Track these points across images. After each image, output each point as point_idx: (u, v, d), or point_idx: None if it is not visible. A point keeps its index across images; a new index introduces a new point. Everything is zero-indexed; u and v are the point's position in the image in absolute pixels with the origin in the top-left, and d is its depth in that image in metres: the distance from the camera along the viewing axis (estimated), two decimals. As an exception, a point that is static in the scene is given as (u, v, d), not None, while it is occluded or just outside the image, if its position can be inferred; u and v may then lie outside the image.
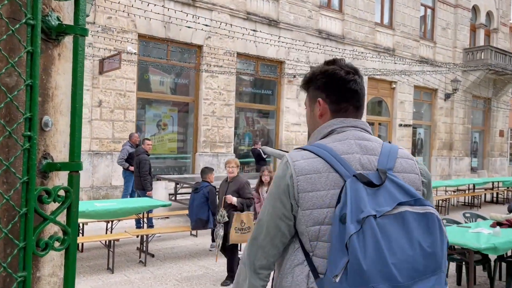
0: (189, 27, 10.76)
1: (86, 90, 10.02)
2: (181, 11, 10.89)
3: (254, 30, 11.95)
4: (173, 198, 9.90)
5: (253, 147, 12.35)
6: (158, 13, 10.44)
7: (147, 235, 5.99)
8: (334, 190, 1.23)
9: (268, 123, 14.18)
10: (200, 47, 11.95)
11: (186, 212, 8.07)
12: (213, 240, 6.76)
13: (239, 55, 12.65)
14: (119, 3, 9.96)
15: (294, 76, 13.66)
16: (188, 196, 9.86)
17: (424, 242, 1.13)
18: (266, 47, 12.74)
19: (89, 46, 9.98)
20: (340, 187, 1.22)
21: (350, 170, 1.24)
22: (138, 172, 7.59)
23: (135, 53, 10.72)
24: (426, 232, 1.14)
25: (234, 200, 5.04)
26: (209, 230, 6.56)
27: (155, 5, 10.24)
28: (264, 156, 11.98)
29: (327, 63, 1.44)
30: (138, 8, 9.87)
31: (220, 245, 5.12)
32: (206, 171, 6.60)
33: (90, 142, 10.19)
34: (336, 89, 1.39)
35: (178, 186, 10.01)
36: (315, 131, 1.42)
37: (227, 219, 5.03)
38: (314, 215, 1.23)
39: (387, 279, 1.08)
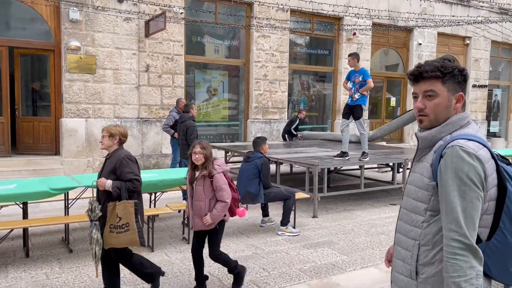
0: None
1: (132, 54, 9.59)
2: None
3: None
4: (223, 167, 9.36)
5: (297, 114, 11.28)
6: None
7: (191, 210, 5.46)
8: (494, 172, 1.58)
9: (325, 86, 13.14)
10: (250, 4, 11.05)
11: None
12: (264, 215, 6.15)
13: (293, 12, 11.60)
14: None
15: (354, 34, 12.40)
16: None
17: None
18: (322, 2, 11.56)
19: (135, 5, 9.45)
20: (495, 169, 1.58)
21: (494, 155, 1.62)
22: (185, 140, 7.06)
23: (181, 13, 10.05)
24: None
25: (107, 184, 3.44)
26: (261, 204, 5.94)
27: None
28: (294, 131, 10.99)
29: (450, 60, 1.70)
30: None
31: (98, 253, 3.42)
32: (258, 141, 5.90)
33: (138, 109, 9.83)
34: (466, 87, 1.71)
35: (228, 154, 9.45)
36: (451, 119, 1.66)
37: (100, 213, 3.44)
38: (490, 194, 1.56)
39: None
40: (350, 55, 7.18)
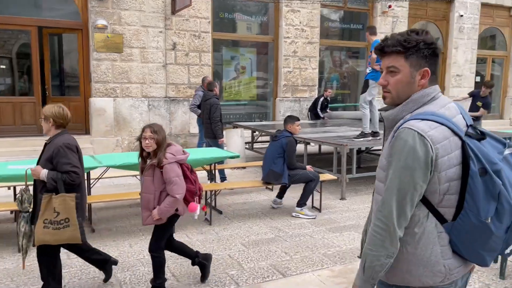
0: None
1: (159, 32, 9.46)
2: None
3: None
4: (250, 147, 9.21)
5: (324, 93, 10.82)
6: None
7: (212, 191, 5.35)
8: (457, 150, 1.51)
9: (358, 63, 12.62)
10: (280, -22, 10.63)
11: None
12: (279, 196, 5.90)
13: (324, -16, 11.10)
14: None
15: (389, 6, 11.76)
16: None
17: None
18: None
19: (159, -16, 9.27)
20: (460, 146, 1.51)
21: (461, 131, 1.53)
22: (208, 119, 6.91)
23: (208, -11, 9.78)
24: None
25: (41, 173, 3.05)
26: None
27: None
28: (321, 113, 10.56)
29: (418, 32, 1.57)
30: None
31: (25, 246, 3.19)
32: (288, 120, 5.65)
33: (166, 88, 9.76)
34: (437, 61, 1.60)
35: (255, 134, 9.27)
36: (413, 96, 1.59)
37: (30, 208, 3.18)
38: (448, 174, 1.50)
39: None
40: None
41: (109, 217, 5.36)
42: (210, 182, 6.24)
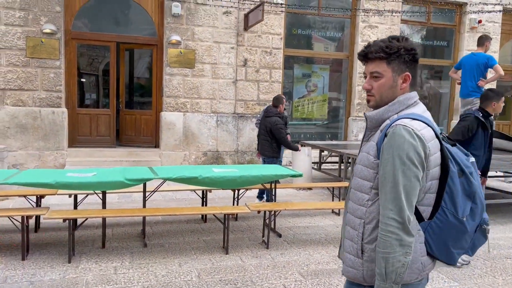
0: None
1: (230, 49, 9.42)
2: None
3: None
4: (318, 167, 8.70)
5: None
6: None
7: (271, 211, 4.95)
8: (438, 152, 1.58)
9: (441, 85, 11.64)
10: (357, -7, 10.18)
11: (331, 184, 6.83)
12: None
13: (406, -1, 10.43)
14: None
15: (479, 21, 10.74)
16: (336, 166, 8.57)
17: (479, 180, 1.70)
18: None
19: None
20: (439, 149, 1.59)
21: (439, 135, 1.62)
22: (266, 136, 6.56)
23: (281, 4, 9.61)
24: (477, 174, 1.68)
25: None
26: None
27: None
28: None
29: (399, 39, 1.66)
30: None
31: None
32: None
33: (234, 104, 9.64)
34: (416, 67, 1.69)
35: (324, 154, 8.75)
36: (398, 98, 1.67)
37: None
38: (432, 173, 1.57)
39: (484, 209, 1.70)
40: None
41: (164, 232, 5.16)
42: (269, 201, 5.85)
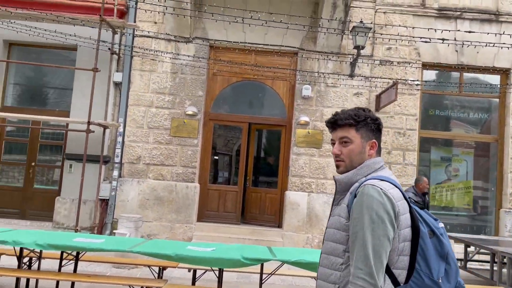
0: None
1: (360, 129, 9.11)
2: (479, 31, 8.77)
3: None
4: (463, 265, 7.40)
5: None
6: (447, 39, 8.32)
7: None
8: (407, 213, 1.61)
9: None
10: (506, 71, 9.25)
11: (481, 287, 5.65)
12: None
13: None
14: (398, 33, 8.82)
15: None
16: (487, 266, 7.18)
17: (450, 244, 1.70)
18: None
19: (367, 78, 9.14)
20: (408, 210, 1.62)
21: (407, 198, 1.65)
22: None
23: (417, 84, 9.15)
24: (447, 238, 1.69)
25: None
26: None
27: (442, 30, 8.28)
28: None
29: (364, 110, 1.80)
30: (421, 37, 8.40)
31: None
32: None
33: (363, 187, 9.07)
34: (380, 136, 1.83)
35: (470, 249, 7.47)
36: (366, 162, 1.75)
37: None
38: (404, 234, 1.57)
39: (458, 271, 1.68)
40: None
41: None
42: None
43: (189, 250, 4.24)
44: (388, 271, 1.54)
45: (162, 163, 9.06)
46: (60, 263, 4.79)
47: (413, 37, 8.93)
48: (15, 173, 9.60)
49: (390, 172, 1.75)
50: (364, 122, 1.75)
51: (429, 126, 9.54)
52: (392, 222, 1.53)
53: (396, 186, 1.63)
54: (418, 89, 9.19)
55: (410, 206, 1.62)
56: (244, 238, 8.74)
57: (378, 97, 9.07)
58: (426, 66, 9.35)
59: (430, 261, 1.55)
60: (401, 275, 1.56)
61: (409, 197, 5.10)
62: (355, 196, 1.62)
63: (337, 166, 1.79)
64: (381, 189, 1.57)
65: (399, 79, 8.99)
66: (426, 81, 9.20)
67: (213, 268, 4.54)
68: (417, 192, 6.82)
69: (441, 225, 1.69)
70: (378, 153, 1.79)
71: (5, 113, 8.95)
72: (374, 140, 1.77)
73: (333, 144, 1.81)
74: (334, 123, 1.79)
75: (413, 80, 9.08)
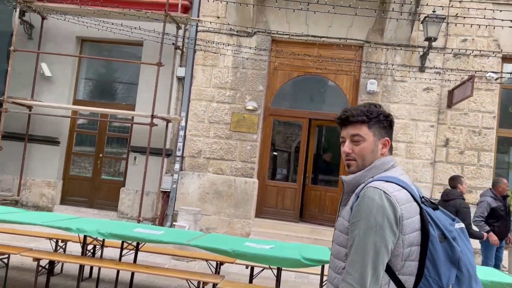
0: None
1: (429, 127, 8.55)
2: None
3: None
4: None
5: None
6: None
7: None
8: (416, 215, 1.50)
9: None
10: None
11: None
12: None
13: None
14: (475, 23, 8.11)
15: None
16: None
17: (471, 248, 1.57)
18: None
19: (438, 73, 8.52)
20: (418, 212, 1.51)
21: (418, 199, 1.54)
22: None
23: (496, 78, 8.39)
24: (468, 241, 1.57)
25: None
26: None
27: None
28: None
29: (376, 105, 1.69)
30: (502, 26, 7.66)
31: None
32: None
33: (431, 188, 8.50)
34: (392, 133, 1.72)
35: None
36: (375, 163, 1.64)
37: None
38: (410, 238, 1.47)
39: (474, 278, 1.53)
40: None
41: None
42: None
43: (246, 247, 4.11)
44: (394, 277, 1.48)
45: (221, 157, 9.06)
46: (121, 252, 4.88)
47: (494, 26, 8.16)
48: (86, 164, 10.08)
49: (400, 172, 1.64)
50: (376, 119, 1.66)
51: (508, 124, 8.72)
52: (392, 227, 1.45)
53: (404, 187, 1.53)
54: (497, 84, 8.42)
55: (421, 208, 1.52)
56: (303, 236, 8.52)
57: (451, 92, 8.42)
58: (506, 58, 8.55)
59: (439, 266, 1.46)
60: (408, 281, 1.48)
61: (453, 199, 4.71)
62: (358, 198, 1.55)
63: (348, 166, 1.70)
64: (383, 191, 1.48)
65: (477, 71, 8.28)
66: (511, 75, 8.38)
67: (271, 266, 4.39)
68: (496, 195, 6.20)
69: (458, 226, 1.56)
70: (390, 151, 1.71)
71: (77, 106, 9.42)
72: (387, 138, 1.68)
73: (342, 142, 1.72)
74: (345, 120, 1.69)
75: (495, 72, 8.31)
